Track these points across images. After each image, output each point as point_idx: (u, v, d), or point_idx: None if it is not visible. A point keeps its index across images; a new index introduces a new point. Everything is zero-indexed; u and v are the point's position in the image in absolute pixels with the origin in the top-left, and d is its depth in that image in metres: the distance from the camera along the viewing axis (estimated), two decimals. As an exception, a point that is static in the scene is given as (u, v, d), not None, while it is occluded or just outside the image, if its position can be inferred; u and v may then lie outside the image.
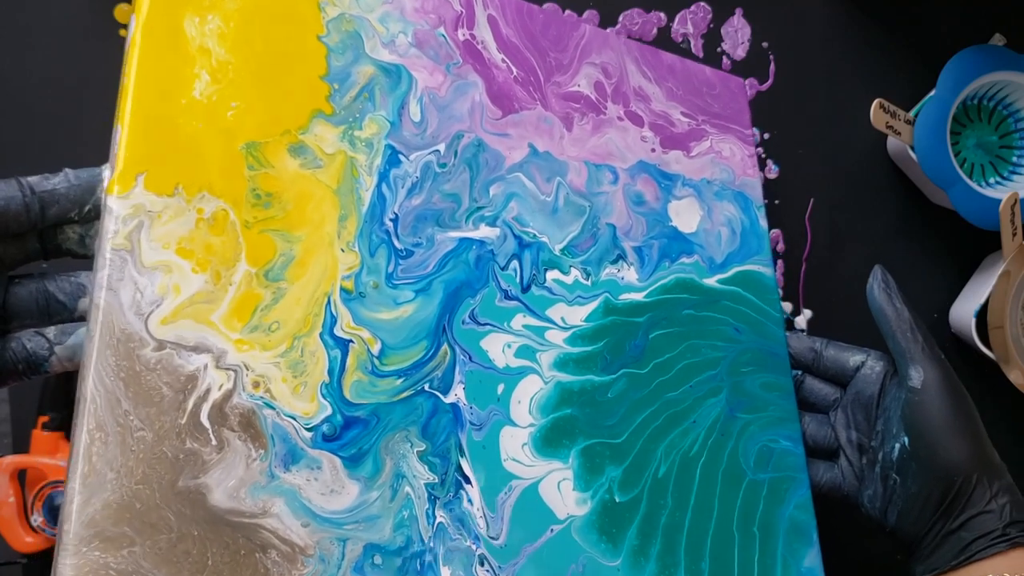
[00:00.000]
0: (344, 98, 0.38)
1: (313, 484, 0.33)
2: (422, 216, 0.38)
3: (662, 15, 0.55)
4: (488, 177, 0.40)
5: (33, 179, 0.32)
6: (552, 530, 0.37)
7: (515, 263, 0.40)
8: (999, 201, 0.51)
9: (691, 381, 0.42)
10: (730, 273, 0.46)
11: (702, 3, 0.55)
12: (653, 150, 0.46)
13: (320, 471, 0.33)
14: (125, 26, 0.49)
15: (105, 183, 0.32)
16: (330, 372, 0.35)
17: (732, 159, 0.48)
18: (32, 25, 0.49)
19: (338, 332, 0.35)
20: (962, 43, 0.52)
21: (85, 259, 0.34)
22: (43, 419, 0.47)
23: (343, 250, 0.36)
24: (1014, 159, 0.55)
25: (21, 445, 0.48)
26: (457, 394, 0.37)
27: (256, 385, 0.33)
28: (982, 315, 0.52)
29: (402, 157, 0.39)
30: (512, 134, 0.42)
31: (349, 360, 0.35)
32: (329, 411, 0.34)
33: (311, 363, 0.34)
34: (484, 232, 0.39)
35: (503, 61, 0.43)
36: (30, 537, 0.44)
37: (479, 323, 0.38)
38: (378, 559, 0.33)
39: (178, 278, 0.33)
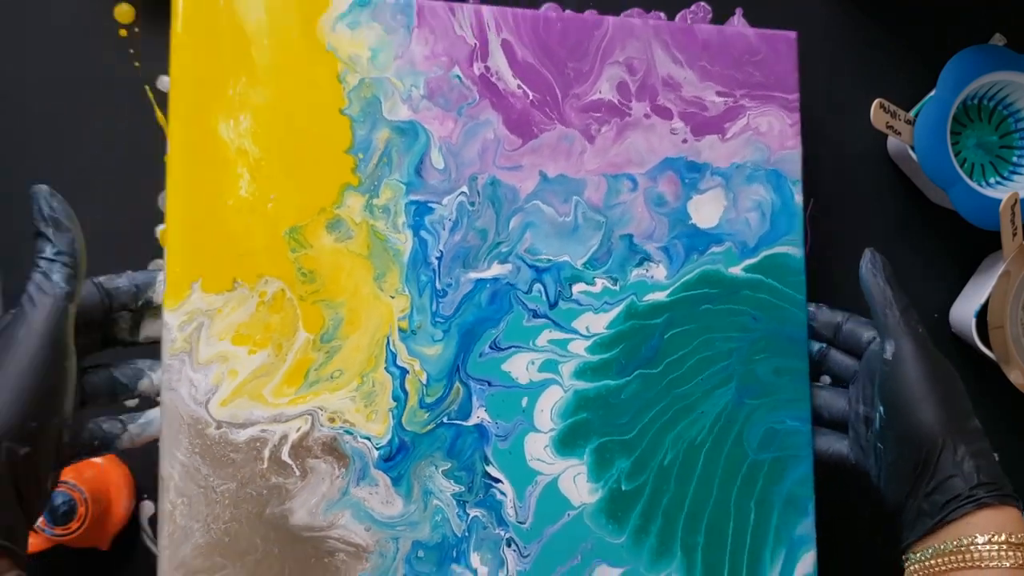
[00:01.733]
0: (369, 166, 0.41)
1: (375, 496, 0.39)
2: (457, 255, 0.41)
3: (662, 15, 0.55)
4: (509, 211, 0.42)
5: (103, 278, 0.39)
6: (568, 515, 0.41)
7: (538, 285, 0.42)
8: (999, 201, 0.51)
9: (702, 374, 0.43)
10: (758, 258, 0.45)
11: (702, 3, 0.55)
12: (684, 141, 0.45)
13: (378, 487, 0.39)
14: (125, 26, 0.49)
15: (160, 287, 0.39)
16: (395, 398, 0.40)
17: (770, 133, 0.46)
18: (32, 25, 0.49)
19: (399, 363, 0.40)
20: (962, 43, 0.52)
21: (134, 346, 0.40)
22: (43, 419, 0.47)
23: (392, 297, 0.40)
24: (1014, 159, 0.55)
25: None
26: (479, 416, 0.41)
27: (332, 420, 0.39)
28: (982, 315, 0.52)
29: (433, 205, 0.41)
30: (524, 164, 0.42)
31: (408, 386, 0.40)
32: (391, 434, 0.39)
33: (381, 392, 0.40)
34: (496, 270, 0.41)
35: (519, 87, 0.43)
36: (30, 537, 0.44)
37: (501, 349, 0.41)
38: (421, 553, 0.39)
39: (233, 363, 0.38)
